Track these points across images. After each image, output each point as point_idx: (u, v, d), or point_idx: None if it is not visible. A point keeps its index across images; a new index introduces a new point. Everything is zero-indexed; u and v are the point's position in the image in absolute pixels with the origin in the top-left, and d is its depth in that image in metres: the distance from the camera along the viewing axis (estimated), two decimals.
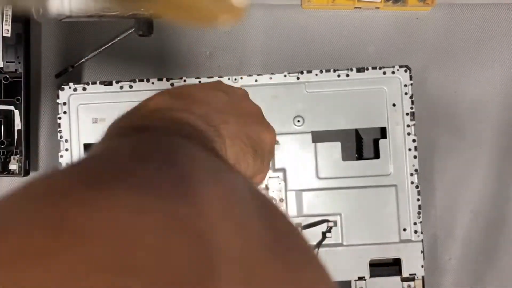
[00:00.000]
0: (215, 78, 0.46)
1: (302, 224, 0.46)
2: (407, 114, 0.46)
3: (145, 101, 0.25)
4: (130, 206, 0.12)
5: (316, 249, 0.45)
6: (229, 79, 0.46)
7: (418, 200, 0.45)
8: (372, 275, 0.45)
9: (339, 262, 0.45)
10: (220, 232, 0.13)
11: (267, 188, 0.46)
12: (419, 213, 0.45)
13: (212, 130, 0.23)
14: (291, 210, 0.46)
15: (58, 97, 0.46)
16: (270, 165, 0.46)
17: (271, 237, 0.15)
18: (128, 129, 0.21)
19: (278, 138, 0.46)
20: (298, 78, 0.46)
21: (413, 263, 0.45)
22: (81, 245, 0.11)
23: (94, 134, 0.46)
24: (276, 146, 0.46)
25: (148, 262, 0.11)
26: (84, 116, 0.46)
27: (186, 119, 0.23)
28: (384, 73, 0.46)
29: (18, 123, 0.47)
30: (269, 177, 0.46)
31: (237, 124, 0.26)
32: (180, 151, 0.18)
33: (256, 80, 0.46)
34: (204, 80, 0.46)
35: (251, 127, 0.27)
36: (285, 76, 0.46)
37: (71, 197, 0.12)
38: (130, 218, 0.12)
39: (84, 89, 0.46)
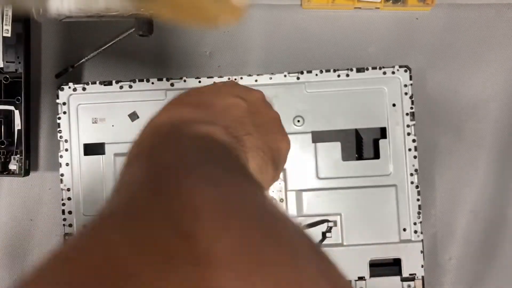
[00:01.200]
0: (215, 78, 0.46)
1: (302, 224, 0.46)
2: (407, 114, 0.46)
3: (166, 113, 0.23)
4: None
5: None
6: (229, 79, 0.46)
7: (418, 200, 0.45)
8: (372, 275, 0.45)
9: (339, 262, 0.45)
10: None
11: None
12: (419, 213, 0.45)
13: (235, 141, 0.23)
14: (291, 210, 0.46)
15: (58, 97, 0.46)
16: None
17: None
18: (157, 153, 0.20)
19: None
20: (298, 78, 0.46)
21: (413, 263, 0.45)
22: None
23: (94, 134, 0.46)
24: None
25: None
26: (84, 116, 0.46)
27: (213, 133, 0.22)
28: (384, 73, 0.46)
29: (18, 123, 0.47)
30: None
31: (258, 134, 0.25)
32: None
33: (256, 80, 0.46)
34: (204, 80, 0.46)
35: (271, 136, 0.27)
36: (285, 76, 0.46)
37: None
38: None
39: (84, 89, 0.46)
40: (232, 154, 0.21)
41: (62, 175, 0.45)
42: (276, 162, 0.27)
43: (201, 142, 0.20)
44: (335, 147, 0.46)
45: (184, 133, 0.21)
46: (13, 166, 0.47)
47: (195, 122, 0.22)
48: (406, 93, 0.46)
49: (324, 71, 0.46)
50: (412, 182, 0.45)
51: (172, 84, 0.46)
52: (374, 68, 0.46)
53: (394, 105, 0.46)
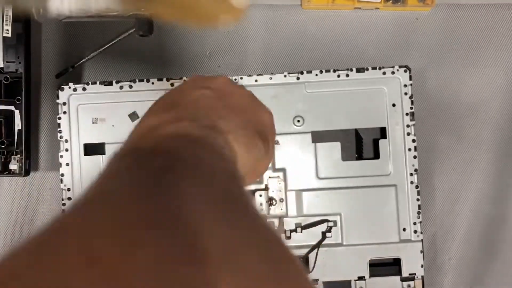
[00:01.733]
0: None
1: (302, 224, 0.46)
2: (406, 114, 0.46)
3: (139, 124, 0.24)
4: None
5: (316, 249, 0.45)
6: None
7: (417, 200, 0.45)
8: (372, 275, 0.45)
9: (339, 262, 0.45)
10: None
11: (267, 188, 0.46)
12: (418, 213, 0.45)
13: (208, 130, 0.22)
14: (291, 210, 0.46)
15: (58, 97, 0.46)
16: (270, 165, 0.46)
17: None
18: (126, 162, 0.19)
19: (278, 138, 0.46)
20: (298, 78, 0.46)
21: (412, 263, 0.45)
22: None
23: (94, 134, 0.46)
24: (276, 146, 0.46)
25: None
26: (84, 116, 0.46)
27: (182, 130, 0.21)
28: (384, 73, 0.46)
29: (18, 123, 0.47)
30: (269, 177, 0.46)
31: (234, 114, 0.25)
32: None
33: (256, 80, 0.46)
34: None
35: (247, 111, 0.26)
36: (285, 76, 0.46)
37: None
38: None
39: (84, 89, 0.46)
40: (196, 149, 0.20)
41: (62, 175, 0.46)
42: (264, 134, 0.26)
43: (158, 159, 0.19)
44: (335, 147, 0.46)
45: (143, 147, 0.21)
46: (13, 166, 0.47)
47: (162, 125, 0.22)
48: (406, 93, 0.46)
49: (324, 71, 0.46)
50: (412, 182, 0.45)
51: (172, 84, 0.46)
52: (374, 68, 0.46)
53: (394, 105, 0.46)
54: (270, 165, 0.46)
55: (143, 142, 0.21)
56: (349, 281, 0.45)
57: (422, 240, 0.45)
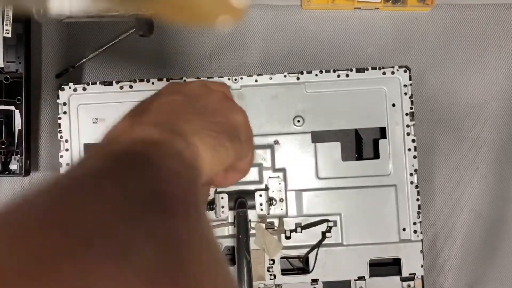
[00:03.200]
0: (215, 78, 0.46)
1: (302, 224, 0.46)
2: (406, 114, 0.46)
3: (109, 130, 0.25)
4: None
5: (316, 249, 0.45)
6: (229, 79, 0.46)
7: (417, 200, 0.45)
8: (371, 274, 0.45)
9: (339, 261, 0.45)
10: None
11: (267, 188, 0.46)
12: (418, 213, 0.45)
13: (170, 135, 0.23)
14: (291, 210, 0.46)
15: (58, 97, 0.46)
16: (270, 165, 0.46)
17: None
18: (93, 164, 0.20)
19: (278, 138, 0.46)
20: (298, 78, 0.46)
21: (412, 263, 0.45)
22: None
23: (94, 134, 0.46)
24: (276, 146, 0.46)
25: None
26: (84, 116, 0.46)
27: (145, 135, 0.22)
28: (384, 73, 0.46)
29: (18, 123, 0.47)
30: (269, 177, 0.46)
31: (200, 117, 0.26)
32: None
33: (256, 80, 0.46)
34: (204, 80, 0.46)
35: (216, 112, 0.27)
36: (285, 76, 0.46)
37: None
38: None
39: (84, 89, 0.46)
40: (152, 156, 0.21)
41: None
42: (235, 134, 0.27)
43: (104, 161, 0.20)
44: (335, 147, 0.46)
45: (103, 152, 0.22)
46: (13, 166, 0.47)
47: (127, 130, 0.23)
48: (405, 93, 0.46)
49: (324, 71, 0.46)
50: (411, 182, 0.45)
51: None
52: (373, 68, 0.46)
53: (393, 105, 0.46)
54: (270, 165, 0.46)
55: (113, 144, 0.23)
56: (349, 281, 0.45)
57: (422, 240, 0.45)
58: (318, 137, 0.47)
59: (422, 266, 0.45)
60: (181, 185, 0.20)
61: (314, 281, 0.45)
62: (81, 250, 0.13)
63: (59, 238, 0.13)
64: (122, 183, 0.17)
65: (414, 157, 0.46)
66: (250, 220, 0.44)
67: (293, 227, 0.46)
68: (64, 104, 0.46)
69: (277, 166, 0.46)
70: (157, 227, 0.16)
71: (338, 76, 0.46)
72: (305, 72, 0.46)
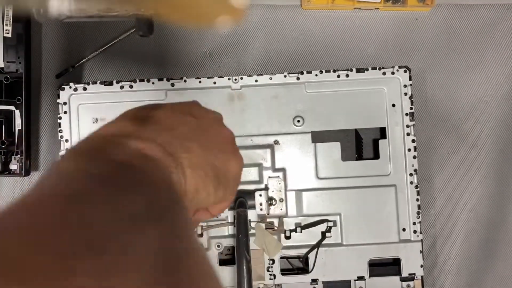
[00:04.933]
0: (215, 78, 0.46)
1: (302, 224, 0.46)
2: (406, 114, 0.46)
3: (105, 126, 0.24)
4: None
5: (316, 249, 0.45)
6: (229, 79, 0.46)
7: (417, 200, 0.45)
8: (371, 274, 0.45)
9: (339, 261, 0.45)
10: None
11: (267, 188, 0.46)
12: (418, 213, 0.45)
13: (170, 159, 0.23)
14: (291, 210, 0.46)
15: (58, 97, 0.46)
16: (270, 165, 0.46)
17: None
18: (83, 162, 0.21)
19: (278, 138, 0.46)
20: (298, 78, 0.46)
21: (412, 263, 0.45)
22: None
23: None
24: (276, 146, 0.46)
25: None
26: (84, 116, 0.46)
27: (143, 150, 0.22)
28: (384, 73, 0.46)
29: (18, 123, 0.47)
30: (269, 177, 0.46)
31: (202, 153, 0.25)
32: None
33: (256, 80, 0.46)
34: (204, 80, 0.46)
35: (217, 155, 0.26)
36: (285, 76, 0.46)
37: None
38: None
39: (84, 89, 0.46)
40: (154, 174, 0.22)
41: None
42: (223, 182, 0.26)
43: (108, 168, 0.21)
44: (335, 147, 0.46)
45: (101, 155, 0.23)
46: (13, 166, 0.47)
47: (128, 137, 0.23)
48: (405, 94, 0.46)
49: (324, 71, 0.46)
50: (411, 182, 0.45)
51: (172, 84, 0.46)
52: (373, 68, 0.46)
53: (393, 105, 0.46)
54: (269, 165, 0.46)
55: (113, 147, 0.23)
56: (349, 281, 0.45)
57: (421, 240, 0.45)
58: (318, 137, 0.47)
59: (421, 266, 0.45)
60: (172, 205, 0.21)
61: (314, 281, 0.45)
62: (97, 247, 0.14)
63: (70, 239, 0.14)
64: (123, 195, 0.18)
65: (414, 157, 0.46)
66: (250, 220, 0.44)
67: (293, 227, 0.46)
68: (65, 103, 0.46)
69: (277, 166, 0.46)
70: (154, 237, 0.17)
71: (338, 76, 0.46)
72: (305, 72, 0.46)
